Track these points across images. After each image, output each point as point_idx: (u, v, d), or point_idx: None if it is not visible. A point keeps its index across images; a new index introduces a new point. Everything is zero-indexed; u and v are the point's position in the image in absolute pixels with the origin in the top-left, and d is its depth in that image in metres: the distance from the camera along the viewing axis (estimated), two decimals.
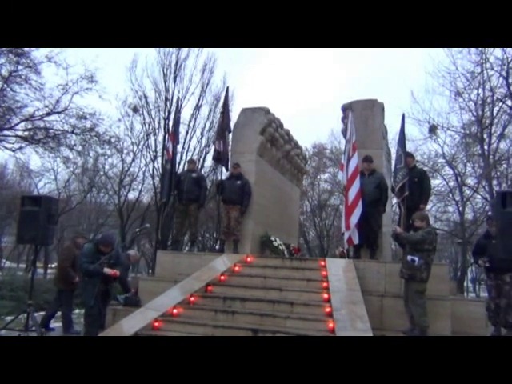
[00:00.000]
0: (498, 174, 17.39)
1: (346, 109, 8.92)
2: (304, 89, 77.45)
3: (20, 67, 13.94)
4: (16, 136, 14.88)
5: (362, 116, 8.59)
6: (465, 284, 25.71)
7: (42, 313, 7.98)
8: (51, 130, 15.28)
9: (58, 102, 14.97)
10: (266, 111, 9.67)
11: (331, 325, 5.49)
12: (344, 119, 9.02)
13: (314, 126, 46.09)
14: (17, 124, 14.87)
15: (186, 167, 11.53)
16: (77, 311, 8.93)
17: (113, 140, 17.75)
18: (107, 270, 5.85)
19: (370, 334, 5.11)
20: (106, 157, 20.61)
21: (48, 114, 15.01)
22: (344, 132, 8.95)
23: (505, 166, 17.22)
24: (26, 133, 15.05)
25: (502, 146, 16.65)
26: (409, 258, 5.91)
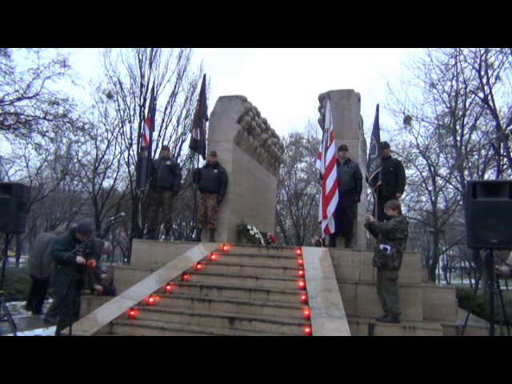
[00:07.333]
0: (470, 164, 17.82)
1: (322, 98, 8.95)
2: (282, 79, 77.24)
3: None
4: None
5: (339, 106, 8.64)
6: (436, 272, 26.38)
7: (14, 302, 7.82)
8: (22, 116, 14.77)
9: (28, 86, 14.44)
10: (243, 99, 9.61)
11: (307, 312, 5.58)
12: (321, 108, 9.05)
13: (291, 115, 46.14)
14: None
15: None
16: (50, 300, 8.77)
17: (86, 127, 17.29)
18: (79, 259, 5.73)
19: (345, 321, 5.22)
20: (80, 144, 20.13)
21: (19, 99, 14.50)
22: (321, 121, 8.99)
23: (476, 156, 17.63)
24: None
25: (474, 137, 17.00)
26: (381, 246, 6.03)
